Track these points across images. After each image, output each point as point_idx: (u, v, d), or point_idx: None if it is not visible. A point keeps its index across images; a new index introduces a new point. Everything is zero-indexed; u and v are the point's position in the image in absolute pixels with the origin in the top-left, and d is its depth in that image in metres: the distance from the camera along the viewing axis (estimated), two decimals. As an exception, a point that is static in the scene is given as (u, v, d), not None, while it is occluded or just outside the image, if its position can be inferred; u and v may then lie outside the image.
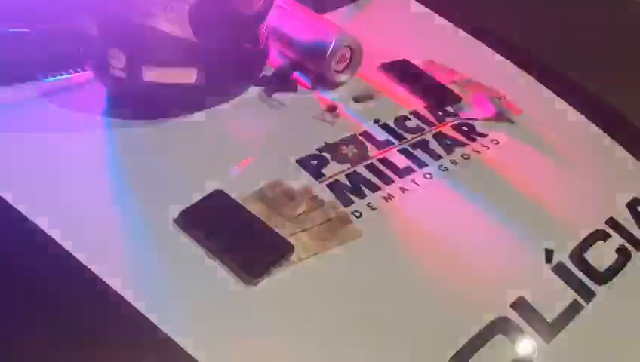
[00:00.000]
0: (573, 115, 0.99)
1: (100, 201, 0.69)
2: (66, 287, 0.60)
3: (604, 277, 0.73)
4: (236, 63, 0.83)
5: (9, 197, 0.65)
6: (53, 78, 0.82)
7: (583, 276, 0.72)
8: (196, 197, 0.69)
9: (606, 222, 0.80)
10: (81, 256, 0.61)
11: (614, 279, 0.74)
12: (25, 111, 0.78)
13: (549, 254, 0.73)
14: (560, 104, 1.00)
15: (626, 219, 0.81)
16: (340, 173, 0.77)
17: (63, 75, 0.83)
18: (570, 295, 0.70)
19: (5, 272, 0.60)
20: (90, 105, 0.80)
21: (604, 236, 0.78)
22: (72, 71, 0.83)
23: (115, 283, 0.60)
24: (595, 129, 0.96)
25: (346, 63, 0.92)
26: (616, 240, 0.78)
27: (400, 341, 0.62)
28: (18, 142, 0.74)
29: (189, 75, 0.79)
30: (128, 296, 0.59)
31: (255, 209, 0.69)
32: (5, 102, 0.78)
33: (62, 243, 0.62)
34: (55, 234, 0.63)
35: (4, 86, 0.79)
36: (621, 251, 0.77)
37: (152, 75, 0.77)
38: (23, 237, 0.64)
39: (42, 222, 0.64)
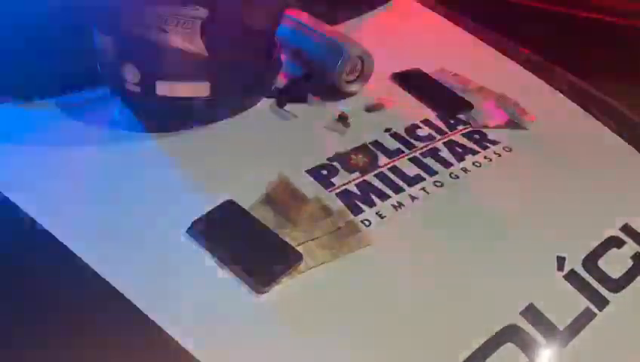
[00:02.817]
0: (587, 121, 0.97)
1: (114, 211, 0.71)
2: (78, 296, 0.62)
3: (618, 284, 0.72)
4: (248, 76, 0.85)
5: (29, 209, 0.68)
6: (71, 94, 0.85)
7: (596, 283, 0.71)
8: (208, 207, 0.70)
9: (621, 229, 0.79)
10: (94, 265, 0.63)
11: (629, 286, 0.72)
12: (44, 125, 0.81)
13: (560, 261, 0.72)
14: (574, 110, 0.99)
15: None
16: (349, 182, 0.78)
17: (80, 90, 0.86)
18: (583, 302, 0.69)
19: (23, 283, 0.63)
20: (107, 118, 0.83)
21: (619, 243, 0.77)
22: (89, 86, 0.86)
23: (126, 291, 0.62)
24: (609, 134, 0.95)
25: (357, 74, 0.93)
26: (632, 246, 0.77)
27: (409, 349, 0.63)
28: (38, 154, 0.77)
29: (202, 89, 0.81)
30: (139, 303, 0.61)
31: (263, 215, 0.70)
32: (26, 117, 0.81)
33: (77, 253, 0.64)
34: (70, 244, 0.65)
35: (25, 101, 0.83)
36: (636, 258, 0.76)
37: (166, 89, 0.79)
38: (40, 248, 0.66)
39: (59, 233, 0.66)
